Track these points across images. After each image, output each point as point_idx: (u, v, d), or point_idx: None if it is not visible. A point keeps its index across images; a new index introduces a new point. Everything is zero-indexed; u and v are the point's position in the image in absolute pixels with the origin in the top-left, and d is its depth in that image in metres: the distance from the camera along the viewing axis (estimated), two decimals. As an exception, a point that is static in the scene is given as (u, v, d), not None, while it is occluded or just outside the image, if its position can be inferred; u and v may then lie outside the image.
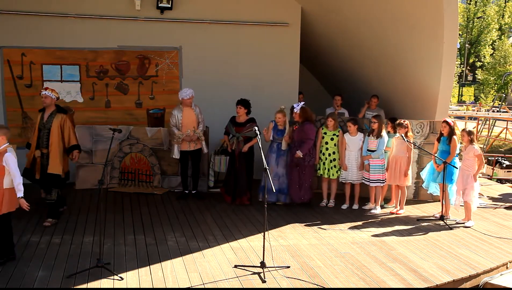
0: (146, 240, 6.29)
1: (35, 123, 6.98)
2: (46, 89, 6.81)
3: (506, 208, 8.47)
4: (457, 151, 7.63)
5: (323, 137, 8.18)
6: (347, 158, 8.12)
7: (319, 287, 5.08)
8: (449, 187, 7.55)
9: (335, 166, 8.14)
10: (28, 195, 6.84)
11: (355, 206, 8.15)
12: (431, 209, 8.20)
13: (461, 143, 7.81)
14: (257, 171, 8.26)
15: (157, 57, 9.84)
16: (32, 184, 6.91)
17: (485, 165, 13.92)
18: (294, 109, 8.07)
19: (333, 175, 8.16)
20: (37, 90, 8.91)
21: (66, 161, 6.90)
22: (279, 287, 5.06)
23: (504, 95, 31.75)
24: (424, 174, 8.02)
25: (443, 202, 7.52)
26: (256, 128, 6.27)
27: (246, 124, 8.08)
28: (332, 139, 8.14)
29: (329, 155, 8.15)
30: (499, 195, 9.39)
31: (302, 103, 8.10)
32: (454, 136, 7.58)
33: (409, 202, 8.43)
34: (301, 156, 7.85)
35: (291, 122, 8.30)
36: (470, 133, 7.44)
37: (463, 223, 7.37)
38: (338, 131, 8.19)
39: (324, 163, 8.15)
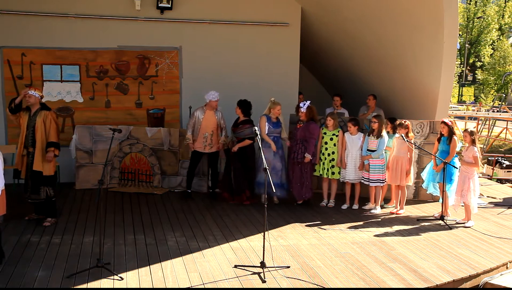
0: (146, 240, 6.29)
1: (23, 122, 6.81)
2: (30, 88, 6.81)
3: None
4: (457, 150, 7.62)
5: (322, 137, 8.17)
6: (346, 157, 8.12)
7: (319, 287, 5.08)
8: (447, 187, 7.54)
9: (333, 166, 8.14)
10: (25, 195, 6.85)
11: (355, 206, 8.15)
12: (431, 209, 8.19)
13: (462, 143, 7.78)
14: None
15: (157, 57, 9.84)
16: (24, 184, 6.84)
17: (485, 165, 13.91)
18: (301, 108, 8.08)
19: (333, 174, 8.16)
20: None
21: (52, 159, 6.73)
22: (279, 287, 5.06)
23: (504, 95, 31.79)
24: (424, 174, 8.02)
25: (443, 202, 7.52)
26: (256, 128, 6.26)
27: (239, 125, 8.10)
28: (331, 139, 8.13)
29: (329, 155, 8.14)
30: (500, 198, 9.31)
31: (309, 102, 8.11)
32: (454, 136, 7.57)
33: (409, 202, 8.42)
34: (310, 159, 7.88)
35: (292, 122, 8.30)
36: (472, 133, 7.41)
37: (463, 223, 7.36)
38: (338, 131, 8.19)
39: (323, 163, 8.15)
